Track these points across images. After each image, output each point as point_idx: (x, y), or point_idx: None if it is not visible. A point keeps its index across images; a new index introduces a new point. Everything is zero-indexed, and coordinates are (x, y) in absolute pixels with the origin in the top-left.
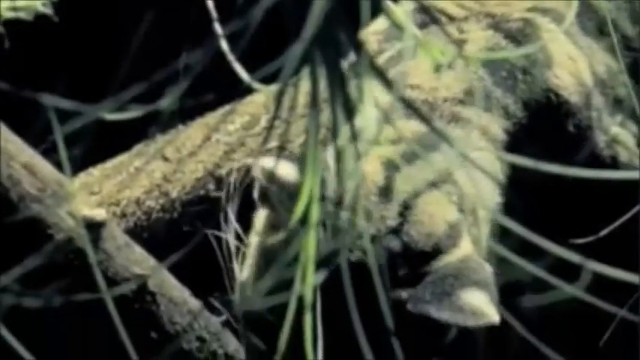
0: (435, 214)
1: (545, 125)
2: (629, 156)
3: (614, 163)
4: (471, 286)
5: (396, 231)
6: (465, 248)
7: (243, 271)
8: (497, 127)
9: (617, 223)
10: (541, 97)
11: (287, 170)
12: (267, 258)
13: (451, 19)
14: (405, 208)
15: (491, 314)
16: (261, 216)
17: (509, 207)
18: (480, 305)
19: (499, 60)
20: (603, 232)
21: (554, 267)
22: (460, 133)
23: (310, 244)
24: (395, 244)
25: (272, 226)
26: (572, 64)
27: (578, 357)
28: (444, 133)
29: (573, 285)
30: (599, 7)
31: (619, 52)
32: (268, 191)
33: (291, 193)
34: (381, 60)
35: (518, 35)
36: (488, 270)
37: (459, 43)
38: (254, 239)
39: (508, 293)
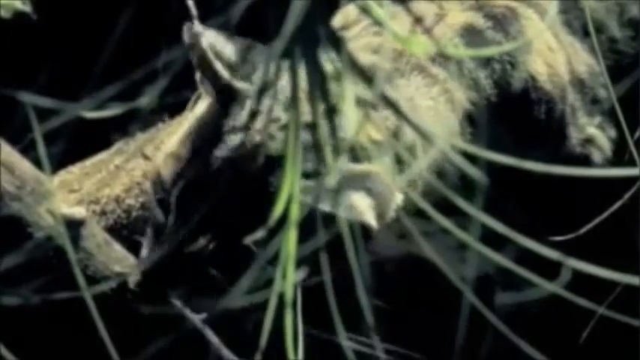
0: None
1: (515, 106)
2: (603, 158)
3: (585, 162)
4: (361, 191)
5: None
6: (376, 168)
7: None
8: (462, 95)
9: (596, 221)
10: (515, 79)
11: (224, 43)
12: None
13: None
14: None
15: (370, 219)
16: (201, 104)
17: (490, 204)
18: (363, 209)
19: (474, 32)
20: (583, 230)
21: (531, 264)
22: (420, 82)
23: (290, 242)
24: None
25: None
26: (551, 55)
27: (555, 354)
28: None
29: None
30: (585, 8)
31: (599, 53)
32: (206, 61)
33: (228, 64)
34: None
35: (499, 18)
36: (389, 190)
37: (437, 18)
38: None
39: (485, 289)
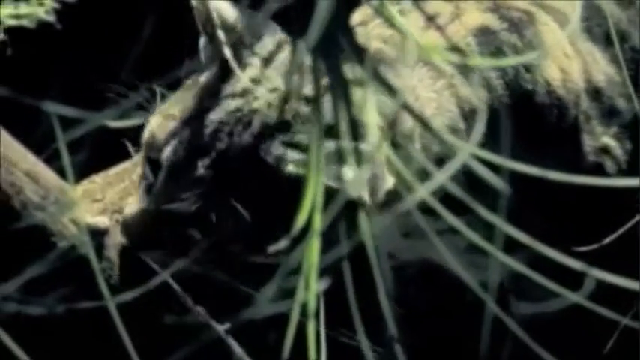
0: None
1: (526, 109)
2: (616, 168)
3: (598, 171)
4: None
5: None
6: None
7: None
8: (469, 91)
9: (620, 232)
10: (527, 81)
11: (229, 10)
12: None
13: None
14: None
15: (364, 195)
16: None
17: (513, 215)
18: (358, 184)
19: (489, 33)
20: (606, 240)
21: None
22: (425, 74)
23: (313, 252)
24: None
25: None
26: (565, 61)
27: None
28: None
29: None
30: (609, 16)
31: (623, 62)
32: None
33: (232, 30)
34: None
35: (515, 21)
36: (382, 171)
37: (452, 16)
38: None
39: (509, 299)
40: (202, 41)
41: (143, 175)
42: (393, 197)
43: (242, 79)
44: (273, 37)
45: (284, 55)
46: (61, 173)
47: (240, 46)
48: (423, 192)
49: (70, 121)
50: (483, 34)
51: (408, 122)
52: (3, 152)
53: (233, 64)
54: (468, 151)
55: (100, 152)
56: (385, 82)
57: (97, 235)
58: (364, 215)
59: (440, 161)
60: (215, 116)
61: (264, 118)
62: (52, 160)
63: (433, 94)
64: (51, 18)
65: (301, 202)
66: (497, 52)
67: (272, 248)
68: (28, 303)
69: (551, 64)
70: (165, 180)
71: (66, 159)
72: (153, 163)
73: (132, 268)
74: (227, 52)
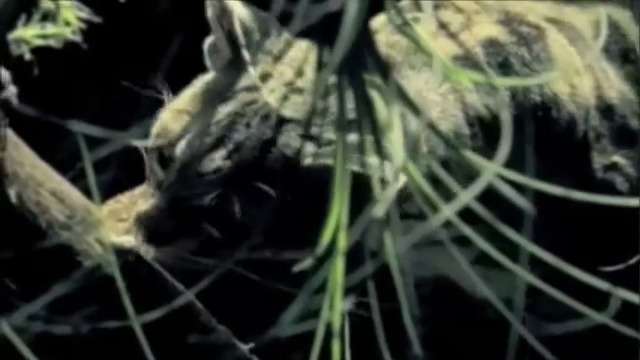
0: None
1: (532, 119)
2: (628, 187)
3: (608, 189)
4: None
5: None
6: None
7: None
8: (476, 98)
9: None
10: (534, 93)
11: (242, 8)
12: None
13: (460, 11)
14: None
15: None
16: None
17: (537, 234)
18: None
19: (497, 45)
20: (632, 261)
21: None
22: (431, 77)
23: (338, 271)
24: None
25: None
26: (575, 77)
27: None
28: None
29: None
30: (627, 34)
31: None
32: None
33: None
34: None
35: (524, 35)
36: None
37: (462, 27)
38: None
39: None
40: (209, 41)
41: (151, 170)
42: (404, 198)
43: (256, 72)
44: (280, 36)
45: (293, 52)
46: (87, 192)
47: (251, 42)
48: (447, 211)
49: (95, 140)
50: (492, 45)
51: (412, 124)
52: (29, 171)
53: (248, 57)
54: (492, 170)
55: (125, 171)
56: (409, 100)
57: (123, 254)
58: (389, 235)
59: (445, 163)
60: (230, 108)
61: (281, 111)
62: (78, 179)
63: (438, 98)
64: (77, 38)
65: (320, 193)
66: (505, 63)
67: (296, 267)
68: (53, 322)
69: (561, 79)
70: (180, 174)
71: (91, 178)
72: (162, 159)
73: (157, 287)
74: (243, 48)
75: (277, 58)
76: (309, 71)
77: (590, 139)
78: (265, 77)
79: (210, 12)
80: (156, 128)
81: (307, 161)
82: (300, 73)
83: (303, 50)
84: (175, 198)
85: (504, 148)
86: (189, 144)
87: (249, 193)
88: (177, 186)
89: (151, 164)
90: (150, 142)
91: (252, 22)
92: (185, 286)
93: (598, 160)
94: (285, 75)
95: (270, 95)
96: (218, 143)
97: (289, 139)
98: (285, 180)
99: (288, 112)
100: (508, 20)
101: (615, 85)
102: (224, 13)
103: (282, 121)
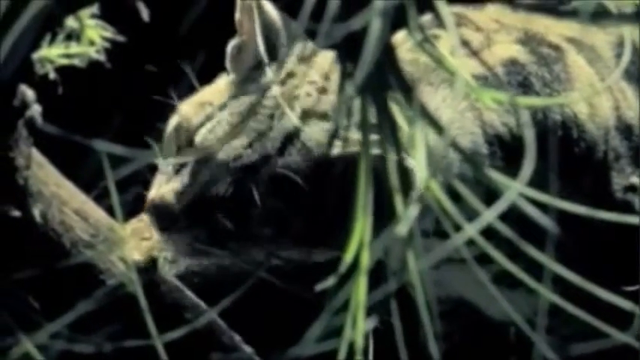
0: None
1: (553, 140)
2: None
3: (626, 209)
4: None
5: None
6: None
7: None
8: (495, 116)
9: None
10: (554, 112)
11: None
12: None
13: (479, 29)
14: None
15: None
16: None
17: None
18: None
19: (517, 64)
20: None
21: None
22: (448, 95)
23: (361, 290)
24: None
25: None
26: (595, 98)
27: None
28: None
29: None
30: None
31: None
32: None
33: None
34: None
35: (544, 55)
36: None
37: (482, 46)
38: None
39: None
40: (233, 43)
41: (167, 156)
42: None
43: (283, 69)
44: (304, 43)
45: (317, 59)
46: (110, 211)
47: (278, 44)
48: (470, 230)
49: (119, 159)
50: (513, 64)
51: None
52: (53, 190)
53: (282, 55)
54: (516, 189)
55: (148, 190)
56: (432, 119)
57: (145, 273)
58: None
59: (462, 176)
60: (254, 99)
61: (304, 104)
62: (102, 198)
63: (456, 115)
64: (101, 57)
65: (343, 187)
66: (525, 83)
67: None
68: (76, 341)
69: (579, 98)
70: (199, 160)
71: (115, 197)
72: (181, 147)
73: (179, 306)
74: (263, 50)
75: (302, 60)
76: (334, 76)
77: (610, 159)
78: (291, 76)
79: (239, 12)
80: (174, 120)
81: (334, 152)
82: (326, 76)
83: (328, 57)
84: (192, 184)
85: (528, 167)
86: (211, 131)
87: (269, 182)
88: (195, 172)
89: (166, 151)
90: (167, 134)
91: (280, 23)
92: (211, 297)
93: (617, 181)
94: (311, 75)
95: (295, 90)
96: (239, 131)
97: (312, 132)
98: (308, 172)
99: (311, 106)
100: (528, 39)
101: (633, 105)
102: (254, 12)
103: (306, 114)
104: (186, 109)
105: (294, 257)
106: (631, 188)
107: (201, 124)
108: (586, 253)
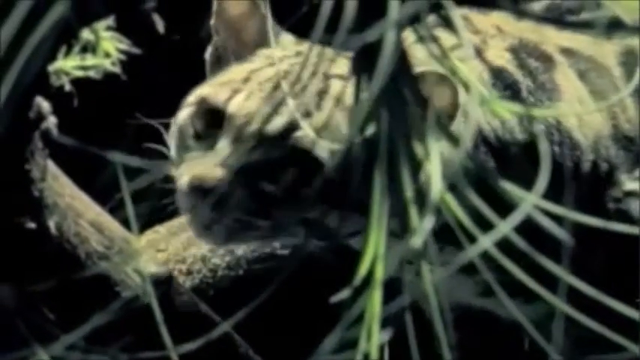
0: None
1: (539, 145)
2: None
3: (621, 217)
4: None
5: None
6: None
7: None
8: (484, 120)
9: None
10: (541, 122)
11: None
12: None
13: (478, 32)
14: None
15: None
16: None
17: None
18: None
19: (505, 71)
20: None
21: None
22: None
23: (375, 302)
24: None
25: None
26: (582, 107)
27: None
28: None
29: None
30: None
31: None
32: None
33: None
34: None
35: (533, 64)
36: None
37: (476, 50)
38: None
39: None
40: (210, 49)
41: (196, 134)
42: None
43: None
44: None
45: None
46: (126, 223)
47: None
48: (485, 242)
49: (134, 171)
50: (500, 71)
51: None
52: (69, 202)
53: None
54: (530, 201)
55: (163, 202)
56: (447, 130)
57: (160, 285)
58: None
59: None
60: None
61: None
62: (117, 210)
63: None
64: (117, 69)
65: None
66: (512, 90)
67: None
68: (91, 352)
69: (566, 108)
70: (236, 133)
71: (130, 209)
72: (209, 121)
73: (194, 318)
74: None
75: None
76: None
77: (602, 170)
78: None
79: (215, 16)
80: (192, 97)
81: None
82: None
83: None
84: (233, 154)
85: (542, 179)
86: (242, 104)
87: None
88: (236, 139)
89: (191, 127)
90: (182, 120)
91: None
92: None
93: (609, 193)
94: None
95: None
96: (278, 107)
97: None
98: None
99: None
100: (519, 48)
101: (630, 116)
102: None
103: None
104: (206, 90)
105: (333, 224)
106: (628, 194)
107: (230, 98)
108: (590, 264)
